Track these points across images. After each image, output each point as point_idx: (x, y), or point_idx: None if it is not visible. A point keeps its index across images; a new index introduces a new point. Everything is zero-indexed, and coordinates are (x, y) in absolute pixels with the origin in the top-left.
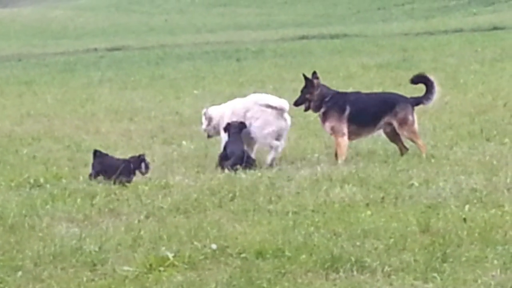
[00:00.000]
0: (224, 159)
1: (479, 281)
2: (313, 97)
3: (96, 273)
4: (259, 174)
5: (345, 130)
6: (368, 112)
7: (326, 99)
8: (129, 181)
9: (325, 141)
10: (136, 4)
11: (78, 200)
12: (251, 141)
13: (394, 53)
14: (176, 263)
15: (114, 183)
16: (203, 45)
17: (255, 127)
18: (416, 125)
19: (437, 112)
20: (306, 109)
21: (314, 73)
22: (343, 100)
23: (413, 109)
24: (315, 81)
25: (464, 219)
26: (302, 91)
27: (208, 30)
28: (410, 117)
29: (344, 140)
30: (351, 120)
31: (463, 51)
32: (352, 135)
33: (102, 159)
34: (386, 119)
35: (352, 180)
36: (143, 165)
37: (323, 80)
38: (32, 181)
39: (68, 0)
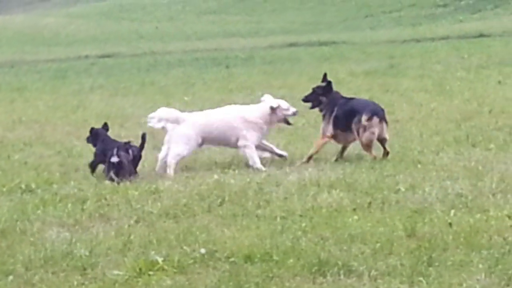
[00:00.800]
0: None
1: (464, 285)
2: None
3: (86, 277)
4: (248, 179)
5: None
6: None
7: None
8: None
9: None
10: (127, 12)
11: (69, 205)
12: None
13: (382, 60)
14: (165, 267)
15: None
16: (193, 52)
17: None
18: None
19: (423, 118)
20: (313, 107)
21: (325, 75)
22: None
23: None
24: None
25: (450, 224)
26: (315, 90)
27: (198, 37)
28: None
29: None
30: None
31: (450, 58)
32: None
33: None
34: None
35: (339, 186)
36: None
37: (312, 86)
38: (23, 186)
39: (59, 7)
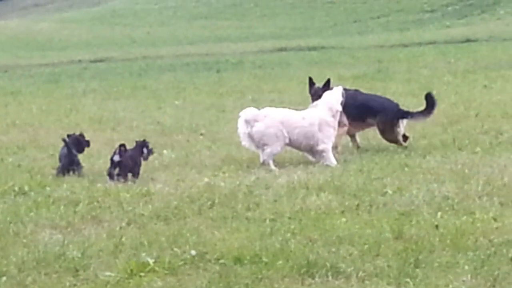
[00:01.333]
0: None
1: (451, 286)
2: None
3: (78, 279)
4: (238, 182)
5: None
6: None
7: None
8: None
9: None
10: (119, 17)
11: (62, 207)
12: None
13: (370, 65)
14: (156, 268)
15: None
16: (184, 56)
17: None
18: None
19: (411, 122)
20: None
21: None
22: None
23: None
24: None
25: (436, 226)
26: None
27: (189, 42)
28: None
29: None
30: None
31: (437, 63)
32: None
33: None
34: None
35: (328, 188)
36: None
37: (301, 91)
38: (17, 189)
39: (53, 13)
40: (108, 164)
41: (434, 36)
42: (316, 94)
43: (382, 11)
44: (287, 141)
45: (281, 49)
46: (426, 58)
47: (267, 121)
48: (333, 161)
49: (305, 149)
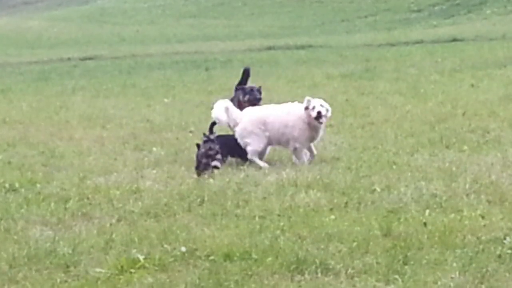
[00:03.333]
0: None
1: (439, 283)
2: None
3: (69, 275)
4: (227, 179)
5: None
6: None
7: None
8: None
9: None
10: (108, 16)
11: (52, 204)
12: None
13: (357, 64)
14: (146, 265)
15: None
16: (173, 55)
17: None
18: None
19: (398, 120)
20: None
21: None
22: None
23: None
24: None
25: (425, 223)
26: None
27: (178, 40)
28: None
29: None
30: None
31: (424, 62)
32: None
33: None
34: None
35: (316, 186)
36: None
37: (290, 89)
38: (7, 185)
39: (42, 11)
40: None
41: (421, 36)
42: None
43: (370, 11)
44: (268, 138)
45: (269, 48)
46: (413, 57)
47: (245, 121)
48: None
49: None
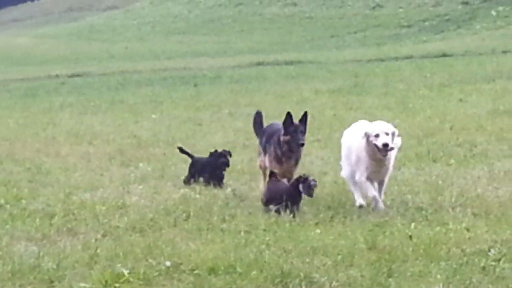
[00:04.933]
0: None
1: None
2: None
3: None
4: (213, 194)
5: None
6: None
7: None
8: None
9: None
10: (97, 33)
11: (37, 220)
12: None
13: (346, 79)
14: (131, 279)
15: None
16: (162, 71)
17: None
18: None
19: None
20: None
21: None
22: None
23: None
24: None
25: (410, 236)
26: None
27: (167, 57)
28: None
29: None
30: None
31: (413, 77)
32: None
33: None
34: None
35: (302, 201)
36: None
37: (277, 104)
38: None
39: (31, 28)
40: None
41: (411, 51)
42: None
43: (360, 26)
44: None
45: (258, 64)
46: (402, 72)
47: None
48: None
49: None
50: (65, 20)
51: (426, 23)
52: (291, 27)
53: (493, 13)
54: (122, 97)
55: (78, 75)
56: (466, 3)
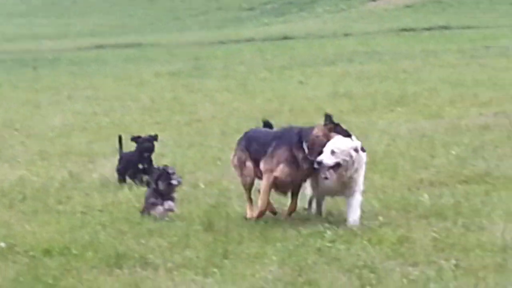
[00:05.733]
0: None
1: (257, 276)
2: None
3: None
4: (50, 177)
5: None
6: None
7: None
8: None
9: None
10: None
11: None
12: None
13: (187, 61)
14: None
15: None
16: (1, 53)
17: None
18: None
19: (225, 117)
20: None
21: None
22: None
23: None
24: None
25: (246, 218)
26: None
27: (6, 39)
28: None
29: None
30: None
31: (254, 60)
32: None
33: None
34: None
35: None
36: None
37: (116, 87)
38: None
39: None
40: None
41: (252, 34)
42: None
43: (201, 9)
44: None
45: (98, 46)
46: (243, 55)
47: None
48: None
49: None
50: None
51: (268, 6)
52: (133, 10)
53: None
54: None
55: None
56: None
